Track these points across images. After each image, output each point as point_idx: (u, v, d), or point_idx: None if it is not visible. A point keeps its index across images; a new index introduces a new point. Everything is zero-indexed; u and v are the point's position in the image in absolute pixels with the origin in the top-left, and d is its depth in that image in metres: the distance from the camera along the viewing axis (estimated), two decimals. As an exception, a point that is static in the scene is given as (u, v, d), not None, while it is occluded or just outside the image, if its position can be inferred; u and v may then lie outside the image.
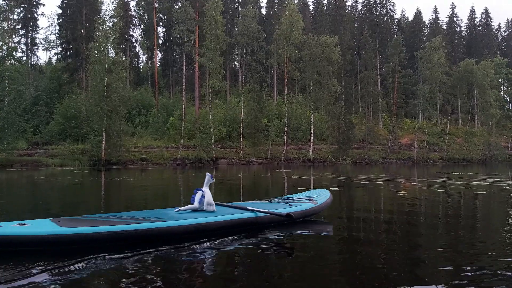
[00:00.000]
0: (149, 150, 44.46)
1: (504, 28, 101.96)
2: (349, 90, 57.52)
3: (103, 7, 59.44)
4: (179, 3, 57.60)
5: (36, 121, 47.89)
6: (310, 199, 6.27)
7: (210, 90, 46.49)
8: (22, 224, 4.09)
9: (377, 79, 66.07)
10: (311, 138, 49.08)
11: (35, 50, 68.07)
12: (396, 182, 15.11)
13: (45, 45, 72.97)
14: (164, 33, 70.84)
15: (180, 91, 55.70)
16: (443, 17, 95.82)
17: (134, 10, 72.09)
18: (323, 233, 5.32)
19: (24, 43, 63.38)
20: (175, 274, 3.40)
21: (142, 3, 71.13)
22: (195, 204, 5.24)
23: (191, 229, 4.62)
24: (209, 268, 3.72)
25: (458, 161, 55.07)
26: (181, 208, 5.23)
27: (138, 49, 75.49)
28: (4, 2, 58.86)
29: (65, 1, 58.16)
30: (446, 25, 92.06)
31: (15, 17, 62.31)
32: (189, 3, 49.50)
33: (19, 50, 59.91)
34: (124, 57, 56.84)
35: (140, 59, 78.09)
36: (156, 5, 63.56)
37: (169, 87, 66.68)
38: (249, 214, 5.15)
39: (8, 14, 59.72)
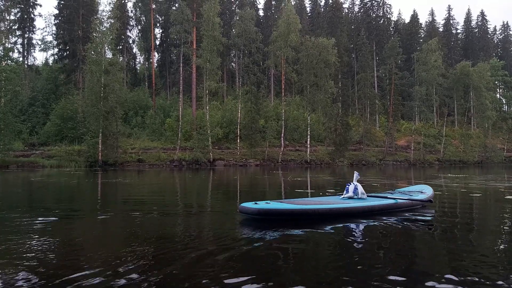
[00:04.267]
0: (146, 151, 44.35)
1: (500, 30, 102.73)
2: (346, 92, 57.40)
3: (100, 8, 59.40)
4: (176, 5, 57.61)
5: (32, 122, 47.75)
6: (421, 192, 8.18)
7: (207, 91, 46.45)
8: (267, 203, 6.02)
9: (374, 81, 66.19)
10: (308, 139, 48.98)
11: (32, 50, 67.86)
12: (392, 184, 15.10)
13: (42, 45, 72.93)
14: (161, 34, 70.99)
15: (177, 92, 55.68)
16: (440, 20, 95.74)
17: (131, 11, 72.16)
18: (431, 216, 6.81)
19: (20, 44, 63.21)
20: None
21: (139, 4, 71.18)
22: (350, 194, 7.14)
23: (365, 209, 6.47)
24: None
25: (454, 163, 55.13)
26: (344, 196, 7.20)
27: (135, 50, 75.48)
28: (0, 2, 58.77)
29: (62, 2, 58.09)
30: (442, 28, 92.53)
31: (12, 17, 62.21)
32: (186, 5, 49.40)
33: (16, 50, 59.69)
34: (121, 58, 56.86)
35: (137, 60, 78.06)
36: (153, 6, 63.49)
37: (166, 88, 66.68)
38: (391, 201, 6.96)
39: (4, 14, 59.60)
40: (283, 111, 49.97)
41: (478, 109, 64.21)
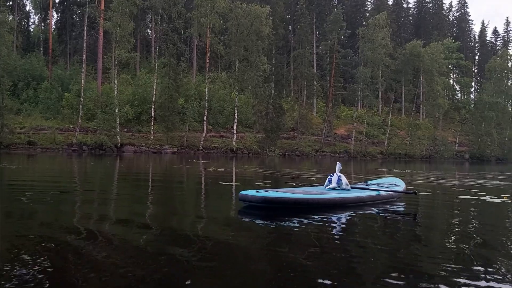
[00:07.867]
0: (39, 131, 43.56)
1: (457, 7, 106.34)
2: (280, 70, 58.16)
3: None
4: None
5: None
6: (395, 184, 9.39)
7: (116, 62, 46.00)
8: (267, 191, 6.84)
9: (313, 59, 67.41)
10: (235, 124, 49.59)
11: None
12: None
13: None
14: (61, -10, 69.10)
15: (79, 61, 54.73)
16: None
17: (25, -41, 69.78)
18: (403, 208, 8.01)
19: None
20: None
21: (35, -49, 68.94)
22: (334, 184, 8.07)
23: (357, 200, 7.63)
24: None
25: (399, 156, 57.08)
26: (329, 186, 8.09)
27: (28, 8, 73.27)
28: None
29: None
30: (392, 1, 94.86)
31: None
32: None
33: None
34: (10, 17, 55.08)
35: (31, 20, 75.92)
36: (53, -45, 61.72)
37: (66, 56, 65.29)
38: (375, 192, 8.12)
39: None
40: (206, 89, 50.28)
41: (429, 96, 65.78)
